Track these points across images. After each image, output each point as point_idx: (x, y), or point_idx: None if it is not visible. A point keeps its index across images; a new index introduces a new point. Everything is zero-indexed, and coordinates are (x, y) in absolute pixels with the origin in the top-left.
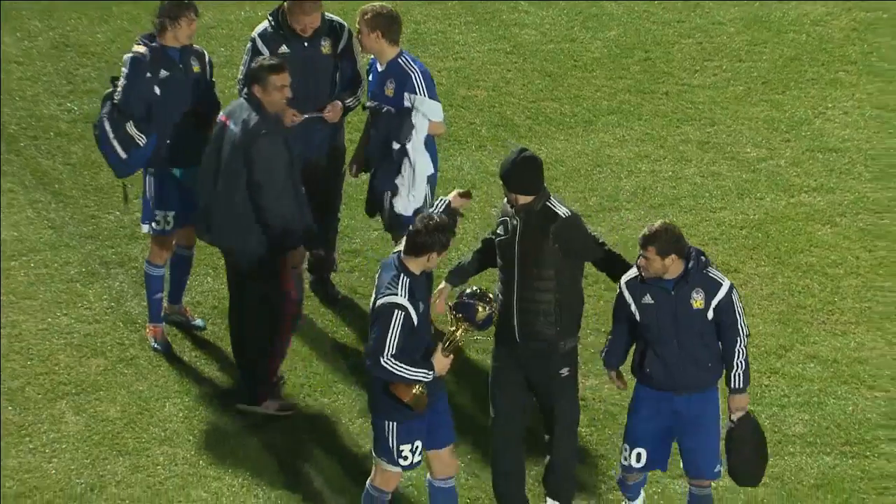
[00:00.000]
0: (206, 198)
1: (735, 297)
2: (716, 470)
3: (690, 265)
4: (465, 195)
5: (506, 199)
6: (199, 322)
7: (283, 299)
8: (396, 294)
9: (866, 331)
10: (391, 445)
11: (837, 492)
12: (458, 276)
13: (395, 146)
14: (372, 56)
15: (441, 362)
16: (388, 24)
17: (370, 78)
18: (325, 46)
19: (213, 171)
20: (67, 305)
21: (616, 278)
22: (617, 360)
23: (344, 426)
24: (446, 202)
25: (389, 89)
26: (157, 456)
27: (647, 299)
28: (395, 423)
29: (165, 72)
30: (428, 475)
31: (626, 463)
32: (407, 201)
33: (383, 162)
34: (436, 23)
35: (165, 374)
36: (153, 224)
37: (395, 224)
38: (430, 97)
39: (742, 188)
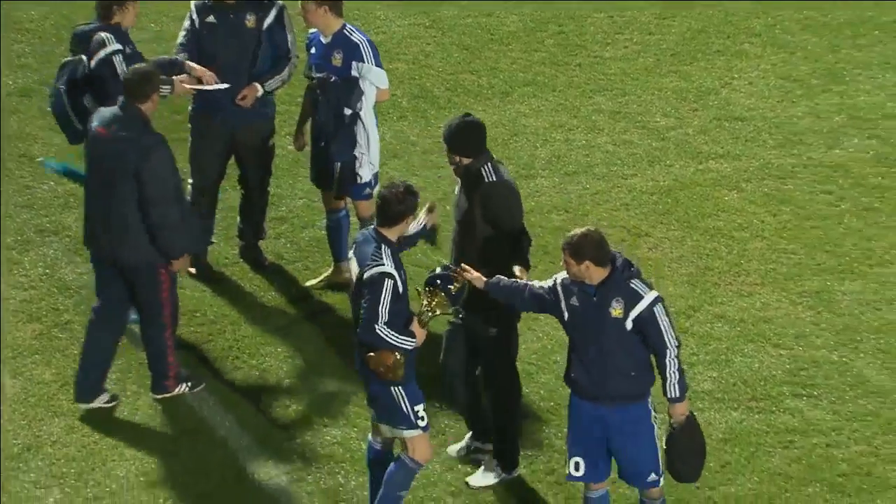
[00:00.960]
0: (95, 212)
1: (658, 310)
2: (649, 479)
3: (615, 274)
4: (431, 209)
5: (449, 162)
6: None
7: (163, 306)
8: (384, 264)
9: (771, 291)
10: (406, 409)
11: (744, 445)
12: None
13: (347, 112)
14: (311, 30)
15: (419, 332)
16: None
17: (312, 51)
18: (251, 20)
19: (98, 185)
20: (3, 273)
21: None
22: (491, 280)
23: (271, 386)
24: (423, 224)
25: (337, 59)
26: (92, 417)
27: (574, 301)
28: (400, 387)
29: (129, 49)
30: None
31: (567, 472)
32: (367, 168)
33: (338, 132)
34: None
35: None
36: None
37: (354, 192)
38: (376, 65)
39: (652, 156)
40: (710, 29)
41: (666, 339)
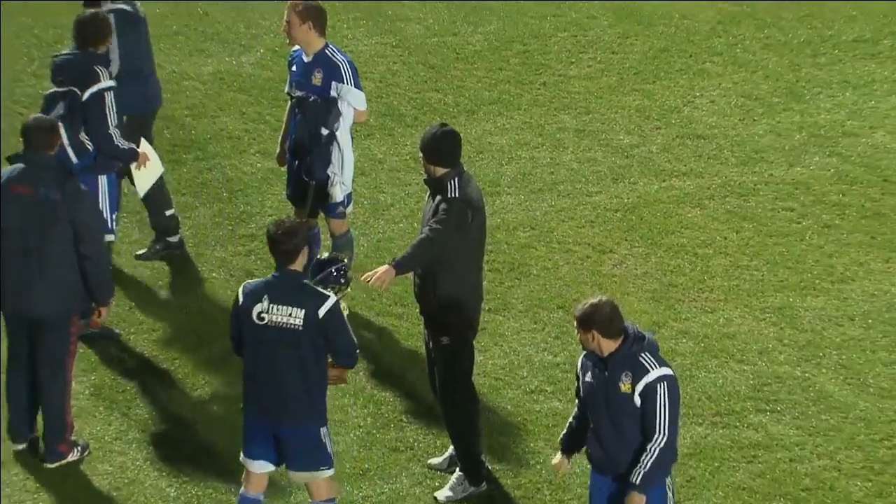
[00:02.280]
0: (21, 275)
1: (662, 388)
2: None
3: (624, 346)
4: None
5: (423, 170)
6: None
7: (69, 360)
8: (327, 295)
9: (734, 307)
10: (329, 449)
11: (709, 460)
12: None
13: (324, 132)
14: (294, 48)
15: None
16: (317, 16)
17: (293, 69)
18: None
19: (22, 248)
20: None
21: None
22: (567, 441)
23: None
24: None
25: (317, 78)
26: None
27: (588, 377)
28: (326, 427)
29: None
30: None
31: None
32: (339, 188)
33: (313, 150)
34: (328, 17)
35: None
36: (113, 225)
37: (327, 210)
38: (355, 87)
39: (616, 173)
40: (673, 48)
41: (658, 422)
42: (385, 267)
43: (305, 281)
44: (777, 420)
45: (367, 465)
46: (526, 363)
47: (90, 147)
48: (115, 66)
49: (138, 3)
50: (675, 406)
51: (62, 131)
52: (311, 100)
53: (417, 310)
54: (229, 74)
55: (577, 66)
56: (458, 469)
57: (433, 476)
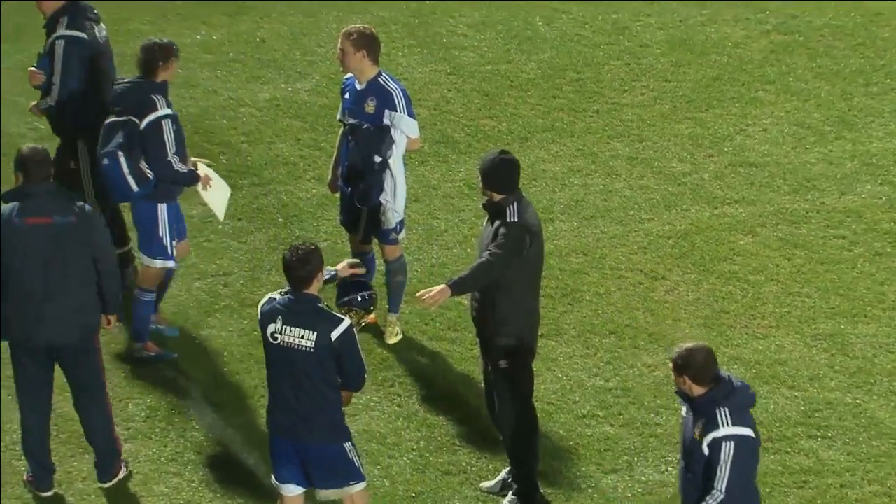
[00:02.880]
0: (47, 307)
1: (728, 447)
2: None
3: (709, 394)
4: (354, 265)
5: (481, 193)
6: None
7: (103, 379)
8: (342, 318)
9: (785, 334)
10: (357, 464)
11: (760, 485)
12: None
13: (377, 159)
14: (347, 76)
15: None
16: (371, 44)
17: (346, 96)
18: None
19: (45, 279)
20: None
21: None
22: None
23: None
24: (334, 273)
25: (370, 106)
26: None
27: (683, 411)
28: (350, 442)
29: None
30: None
31: None
32: (391, 214)
33: (366, 177)
34: (381, 45)
35: (127, 377)
36: (173, 253)
37: (381, 236)
38: (408, 115)
39: (669, 200)
40: (725, 76)
41: (717, 478)
42: (441, 286)
43: (321, 305)
44: (828, 446)
45: (420, 489)
46: (578, 388)
47: (150, 175)
48: (54, 93)
49: (100, 31)
50: (740, 467)
51: (122, 160)
52: (364, 127)
53: (471, 334)
54: (285, 101)
55: (631, 94)
56: (510, 493)
57: (486, 499)
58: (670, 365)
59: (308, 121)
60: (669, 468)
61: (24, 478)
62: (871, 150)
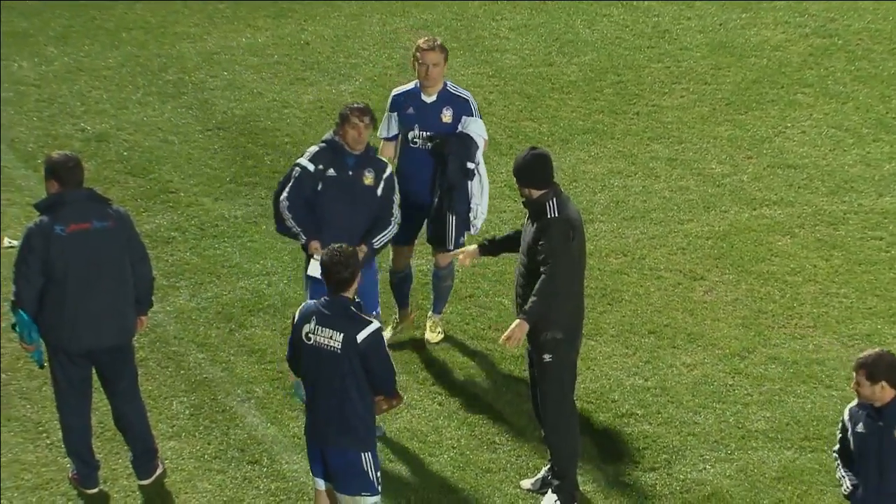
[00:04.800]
0: (81, 308)
1: None
2: None
3: None
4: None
5: (520, 194)
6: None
7: (137, 377)
8: (371, 321)
9: (823, 334)
10: (371, 476)
11: (797, 484)
12: (487, 247)
13: (470, 166)
14: (395, 91)
15: None
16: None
17: (409, 111)
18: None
19: (84, 278)
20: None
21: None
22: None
23: None
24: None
25: (447, 116)
26: (166, 451)
27: (860, 428)
28: (370, 453)
29: (333, 171)
30: None
31: None
32: (481, 217)
33: (459, 186)
34: None
35: (173, 375)
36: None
37: (449, 242)
38: (480, 118)
39: (708, 202)
40: (764, 79)
41: None
42: (516, 322)
43: (353, 308)
44: None
45: (460, 486)
46: (617, 387)
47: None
48: None
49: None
50: None
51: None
52: (451, 137)
53: None
54: (329, 103)
55: (671, 97)
56: (549, 490)
57: (525, 497)
58: (861, 375)
59: None
60: (707, 466)
61: (69, 475)
62: None
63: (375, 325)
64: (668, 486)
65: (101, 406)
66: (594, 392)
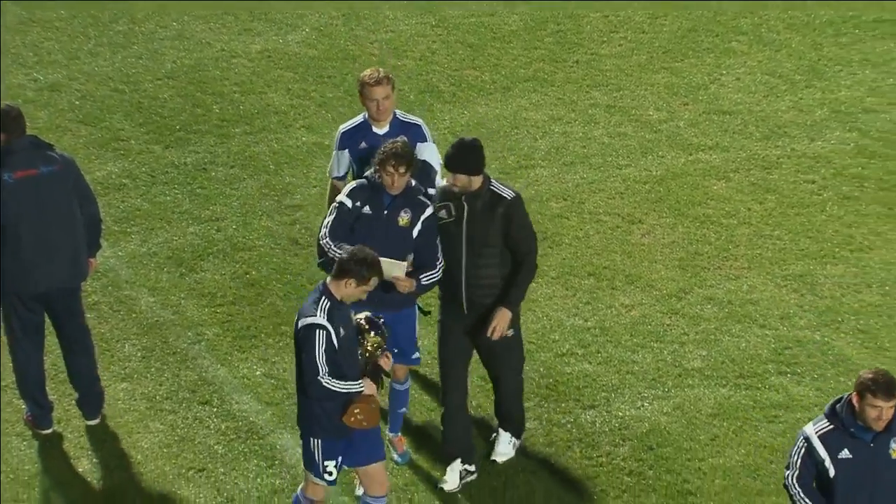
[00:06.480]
0: (44, 254)
1: None
2: None
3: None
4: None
5: (448, 183)
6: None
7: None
8: (315, 315)
9: (757, 275)
10: (317, 461)
11: (732, 420)
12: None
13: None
14: (343, 127)
15: (368, 385)
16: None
17: (362, 145)
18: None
19: (39, 227)
20: None
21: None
22: None
23: (289, 361)
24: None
25: None
26: (119, 392)
27: (845, 454)
28: (319, 441)
29: (368, 209)
30: (360, 490)
31: None
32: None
33: None
34: None
35: (124, 318)
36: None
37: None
38: (432, 142)
39: (645, 147)
40: (700, 28)
41: None
42: (499, 311)
43: (321, 298)
44: (797, 382)
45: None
46: (558, 327)
47: None
48: None
49: None
50: None
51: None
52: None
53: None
54: (276, 52)
55: (609, 46)
56: (502, 431)
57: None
58: (879, 398)
59: (298, 72)
60: (645, 404)
61: (24, 416)
62: (840, 98)
63: (316, 319)
64: (608, 422)
65: (54, 349)
66: (536, 332)
